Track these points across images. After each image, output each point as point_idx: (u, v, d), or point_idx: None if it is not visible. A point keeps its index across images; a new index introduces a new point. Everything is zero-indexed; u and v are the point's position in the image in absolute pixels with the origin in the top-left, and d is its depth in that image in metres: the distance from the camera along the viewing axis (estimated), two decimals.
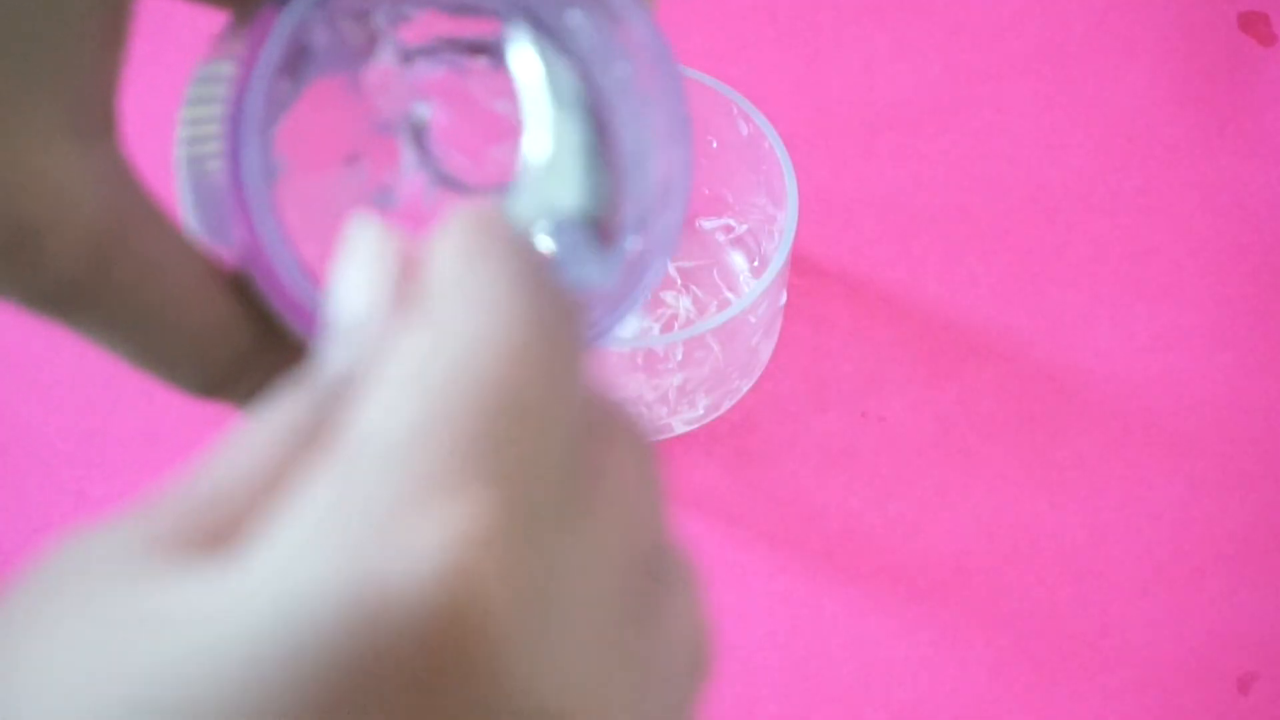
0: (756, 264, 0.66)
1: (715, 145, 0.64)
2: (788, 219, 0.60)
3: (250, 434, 0.26)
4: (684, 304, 0.66)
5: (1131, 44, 0.73)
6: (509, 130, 0.37)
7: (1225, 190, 0.70)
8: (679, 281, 0.66)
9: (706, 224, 0.67)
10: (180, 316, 0.32)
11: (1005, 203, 0.69)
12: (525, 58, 0.35)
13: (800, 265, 0.67)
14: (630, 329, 0.65)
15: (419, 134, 0.37)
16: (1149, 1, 0.73)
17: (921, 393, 0.65)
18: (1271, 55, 0.72)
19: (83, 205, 0.31)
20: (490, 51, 0.36)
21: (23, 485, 0.63)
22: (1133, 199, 0.70)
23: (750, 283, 0.66)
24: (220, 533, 0.25)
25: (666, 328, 0.65)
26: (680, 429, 0.64)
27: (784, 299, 0.63)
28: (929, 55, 0.72)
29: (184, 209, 0.34)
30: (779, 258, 0.60)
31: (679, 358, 0.61)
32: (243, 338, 0.33)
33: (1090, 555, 0.63)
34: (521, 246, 0.27)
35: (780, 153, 0.61)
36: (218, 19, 0.72)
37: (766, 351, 0.64)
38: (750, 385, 0.64)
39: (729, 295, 0.66)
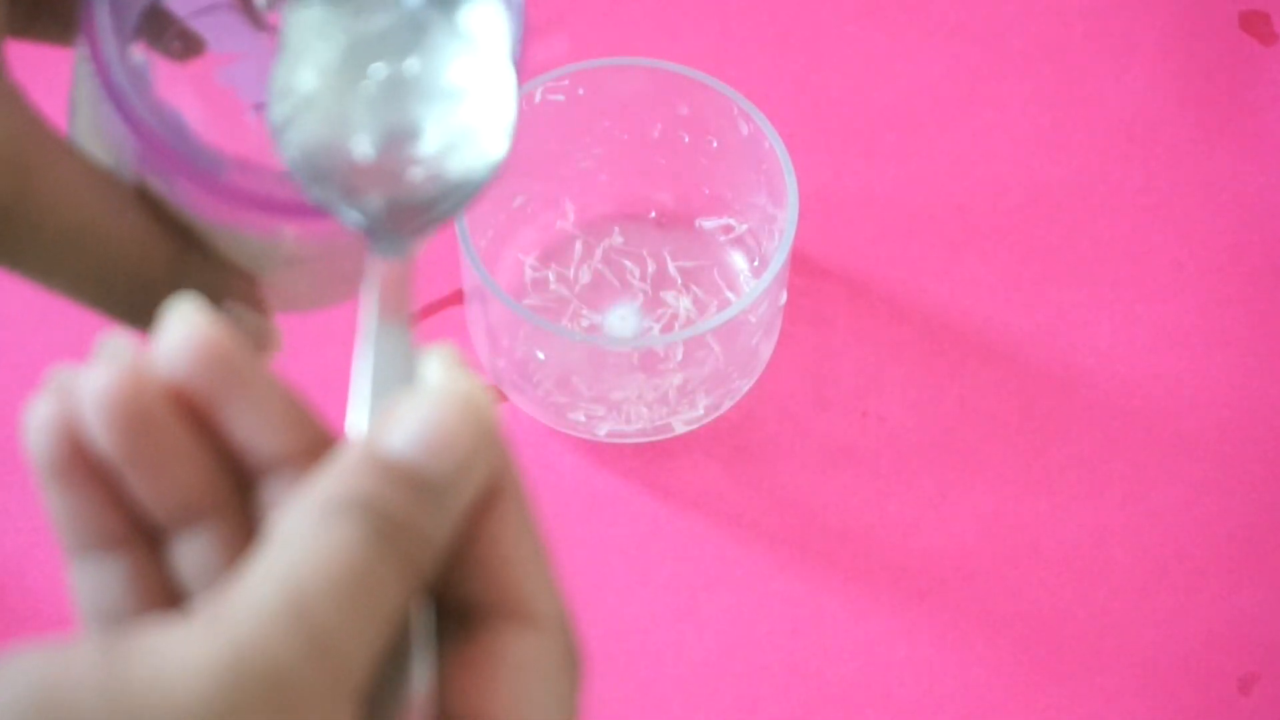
0: (756, 264, 0.66)
1: (715, 145, 0.64)
2: (788, 219, 0.60)
3: None
4: (684, 304, 0.66)
5: (1131, 44, 0.73)
6: None
7: (1225, 190, 0.70)
8: (679, 281, 0.66)
9: (706, 224, 0.67)
10: (101, 232, 0.34)
11: (1005, 203, 0.69)
12: None
13: (800, 265, 0.67)
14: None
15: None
16: (1149, 1, 0.73)
17: (921, 393, 0.65)
18: (1271, 55, 0.72)
19: None
20: None
21: (23, 485, 0.63)
22: (1133, 199, 0.70)
23: (750, 283, 0.66)
24: None
25: (666, 328, 0.65)
26: (680, 429, 0.64)
27: (784, 299, 0.63)
28: (929, 55, 0.72)
29: (79, 137, 0.36)
30: (779, 258, 0.60)
31: (679, 358, 0.61)
32: (161, 253, 0.35)
33: (1090, 555, 0.63)
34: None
35: (780, 153, 0.61)
36: None
37: (766, 351, 0.64)
38: (750, 385, 0.64)
39: (729, 295, 0.66)
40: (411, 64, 0.34)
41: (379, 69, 0.34)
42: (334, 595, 0.27)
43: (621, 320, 0.65)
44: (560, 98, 0.63)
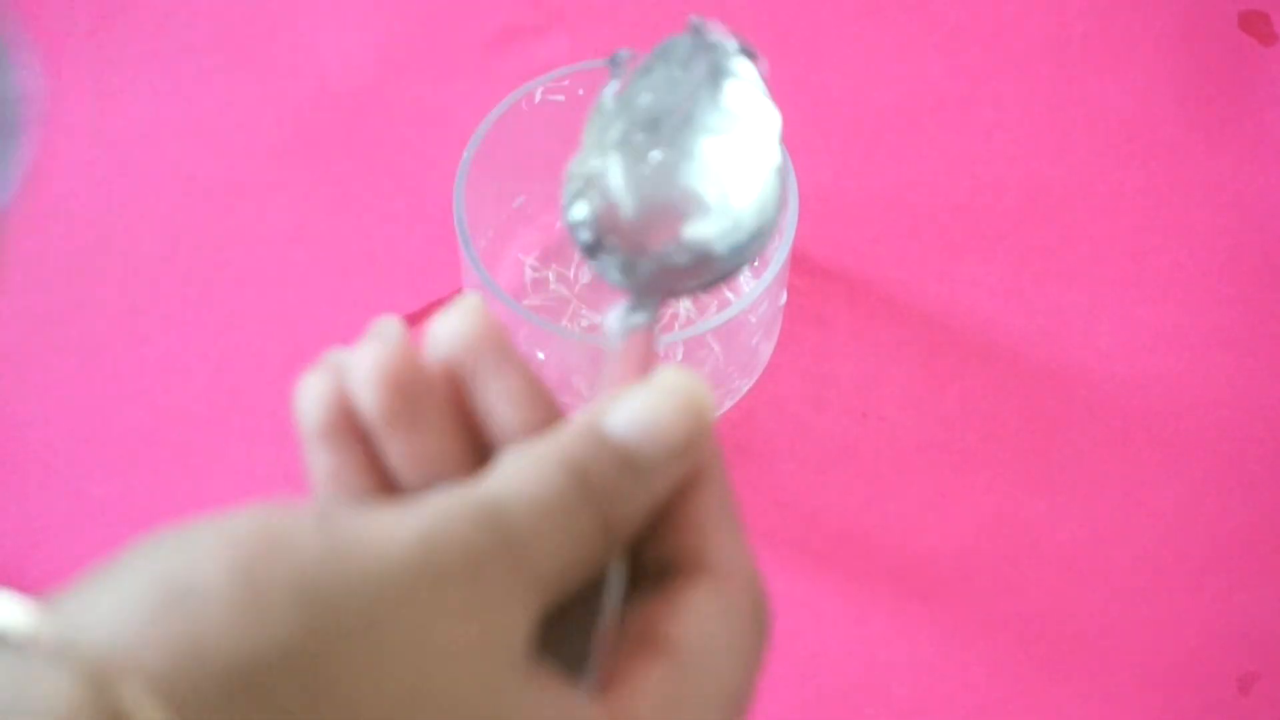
0: (756, 264, 0.66)
1: None
2: (788, 219, 0.60)
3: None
4: (684, 304, 0.66)
5: (1131, 44, 0.73)
6: None
7: (1225, 190, 0.70)
8: None
9: None
10: None
11: (1005, 203, 0.69)
12: None
13: (800, 265, 0.67)
14: None
15: None
16: (1149, 1, 0.73)
17: (921, 393, 0.65)
18: (1271, 55, 0.72)
19: None
20: None
21: (23, 485, 0.63)
22: (1133, 199, 0.70)
23: (750, 283, 0.66)
24: None
25: (666, 328, 0.65)
26: None
27: (784, 299, 0.63)
28: (929, 55, 0.72)
29: None
30: (779, 258, 0.60)
31: (679, 358, 0.61)
32: None
33: (1090, 555, 0.63)
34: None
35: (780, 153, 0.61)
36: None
37: (766, 351, 0.64)
38: (750, 385, 0.65)
39: (729, 295, 0.66)
40: (686, 148, 0.40)
41: (657, 154, 0.40)
42: (526, 508, 0.31)
43: None
44: (560, 98, 0.63)
